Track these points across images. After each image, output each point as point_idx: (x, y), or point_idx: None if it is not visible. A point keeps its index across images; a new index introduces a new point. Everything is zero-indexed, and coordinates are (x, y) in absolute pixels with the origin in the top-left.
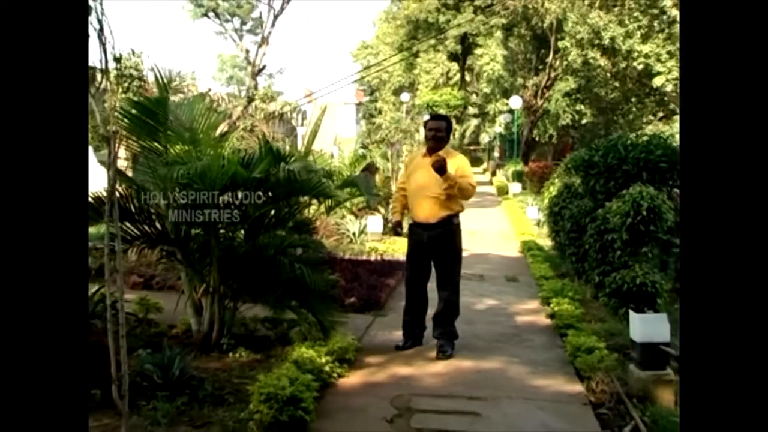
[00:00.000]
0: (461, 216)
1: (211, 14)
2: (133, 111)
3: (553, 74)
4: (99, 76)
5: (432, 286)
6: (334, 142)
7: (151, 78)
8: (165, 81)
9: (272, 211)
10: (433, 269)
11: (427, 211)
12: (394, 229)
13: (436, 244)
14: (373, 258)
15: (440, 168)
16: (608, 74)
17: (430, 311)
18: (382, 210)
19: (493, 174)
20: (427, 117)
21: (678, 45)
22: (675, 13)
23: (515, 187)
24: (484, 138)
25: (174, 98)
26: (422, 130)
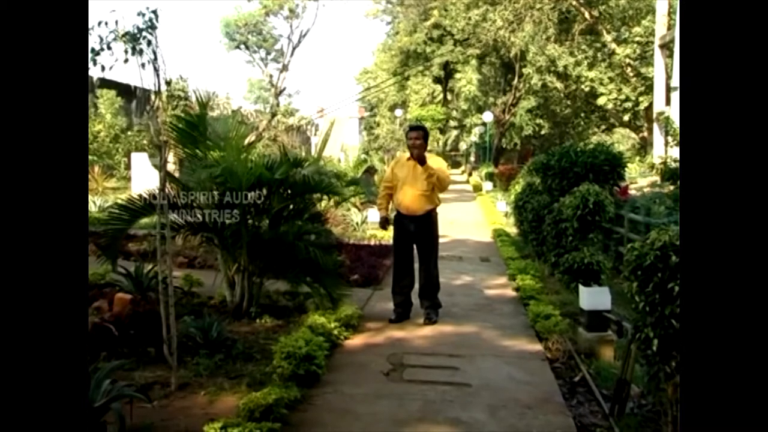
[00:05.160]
0: (439, 209)
1: (242, 47)
2: (180, 125)
3: (517, 94)
4: (153, 96)
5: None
6: (341, 149)
7: (194, 98)
8: (203, 101)
9: (291, 206)
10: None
11: (414, 204)
12: (382, 225)
13: (421, 231)
14: (372, 243)
15: (420, 159)
16: (562, 95)
17: (416, 288)
18: None
19: (470, 175)
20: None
21: (616, 72)
22: (614, 46)
23: (487, 185)
24: (463, 146)
25: (213, 114)
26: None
